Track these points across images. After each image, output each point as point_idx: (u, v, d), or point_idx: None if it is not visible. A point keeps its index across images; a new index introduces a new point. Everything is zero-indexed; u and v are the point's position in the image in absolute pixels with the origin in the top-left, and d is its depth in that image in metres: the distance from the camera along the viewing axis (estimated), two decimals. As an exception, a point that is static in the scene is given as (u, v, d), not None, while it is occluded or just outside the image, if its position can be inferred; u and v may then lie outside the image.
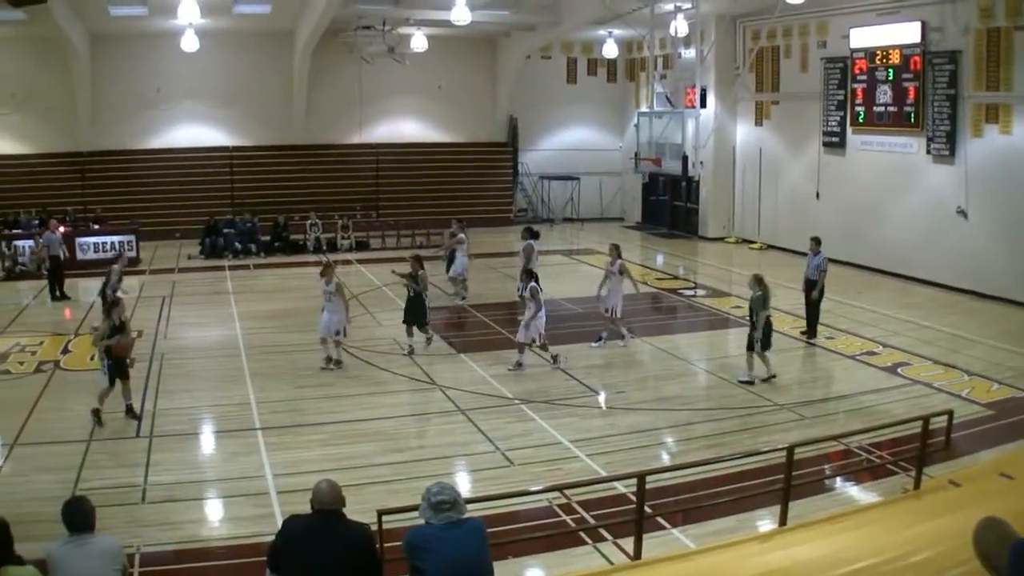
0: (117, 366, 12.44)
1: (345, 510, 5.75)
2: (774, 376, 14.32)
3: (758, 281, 14.38)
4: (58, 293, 20.91)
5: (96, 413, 12.28)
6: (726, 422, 12.56)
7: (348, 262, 24.67)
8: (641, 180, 33.19)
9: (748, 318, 14.84)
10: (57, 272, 21.12)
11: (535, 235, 19.64)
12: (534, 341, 15.07)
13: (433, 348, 16.33)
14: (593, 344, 16.51)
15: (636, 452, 11.40)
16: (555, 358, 15.21)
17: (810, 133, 26.08)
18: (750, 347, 14.31)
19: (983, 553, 4.39)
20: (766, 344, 14.31)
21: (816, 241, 17.22)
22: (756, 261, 26.17)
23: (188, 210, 28.78)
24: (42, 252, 23.50)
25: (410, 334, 16.13)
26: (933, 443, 10.40)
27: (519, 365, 15.01)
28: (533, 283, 15.20)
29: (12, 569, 5.45)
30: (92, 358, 12.25)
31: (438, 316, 18.22)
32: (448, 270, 20.70)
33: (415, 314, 16.12)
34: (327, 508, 5.65)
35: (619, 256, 16.73)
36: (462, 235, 20.65)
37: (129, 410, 12.62)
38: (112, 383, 12.42)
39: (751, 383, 14.13)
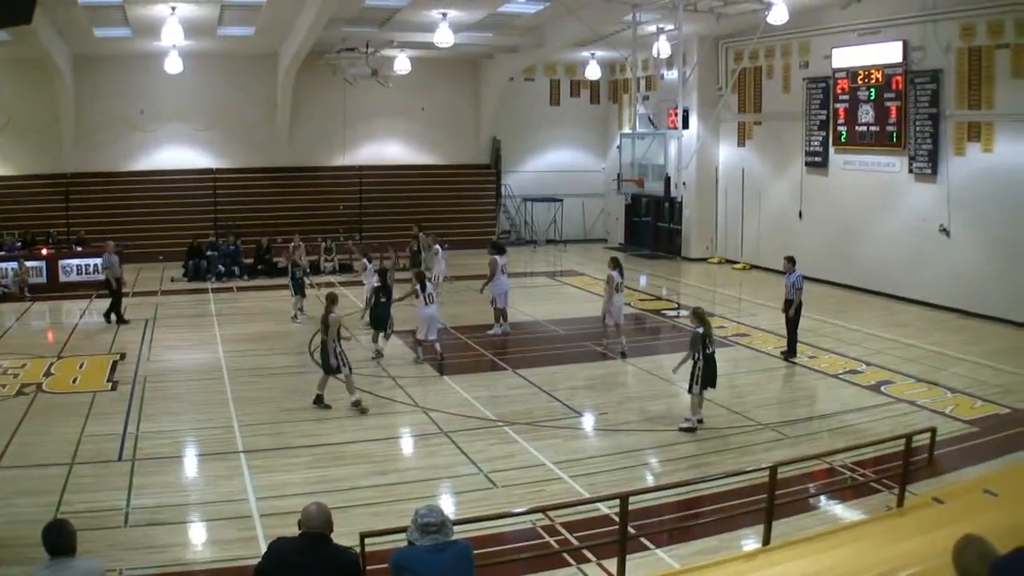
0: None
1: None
2: (701, 421, 13.10)
3: (699, 317, 13.15)
4: (115, 317, 20.25)
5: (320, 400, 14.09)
6: (709, 442, 12.56)
7: (331, 284, 24.57)
8: (624, 201, 33.37)
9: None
10: (118, 295, 20.58)
11: (501, 250, 19.87)
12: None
13: (416, 371, 16.33)
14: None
15: (619, 473, 11.40)
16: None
17: (793, 153, 26.26)
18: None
19: (963, 572, 4.42)
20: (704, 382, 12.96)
21: (790, 260, 17.25)
22: (739, 281, 26.33)
23: (171, 232, 28.71)
24: (26, 275, 23.41)
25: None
26: (916, 460, 10.48)
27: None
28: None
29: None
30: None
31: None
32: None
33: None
34: (314, 531, 5.63)
35: (612, 268, 17.17)
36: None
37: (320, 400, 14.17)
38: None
39: (692, 429, 12.92)
